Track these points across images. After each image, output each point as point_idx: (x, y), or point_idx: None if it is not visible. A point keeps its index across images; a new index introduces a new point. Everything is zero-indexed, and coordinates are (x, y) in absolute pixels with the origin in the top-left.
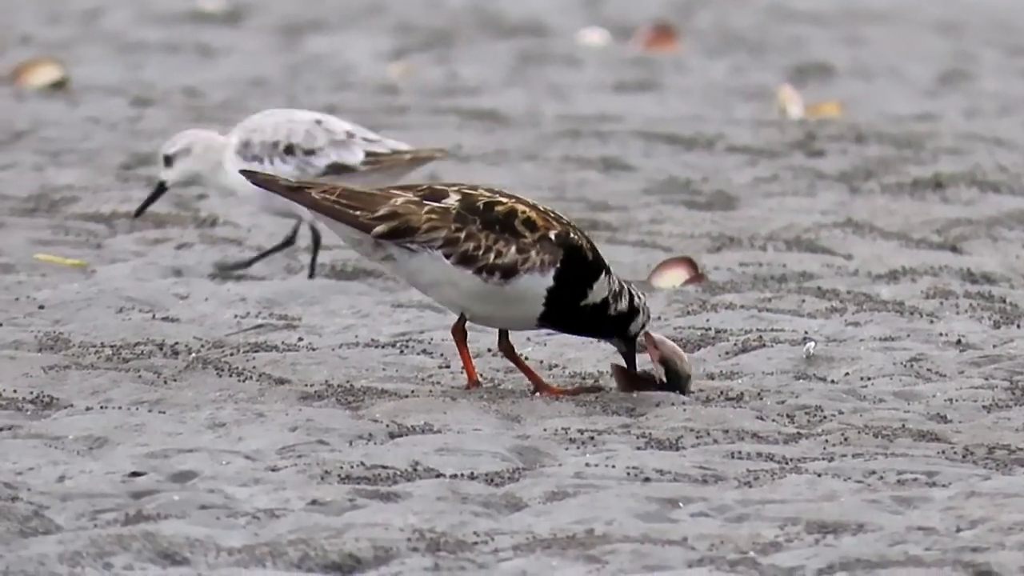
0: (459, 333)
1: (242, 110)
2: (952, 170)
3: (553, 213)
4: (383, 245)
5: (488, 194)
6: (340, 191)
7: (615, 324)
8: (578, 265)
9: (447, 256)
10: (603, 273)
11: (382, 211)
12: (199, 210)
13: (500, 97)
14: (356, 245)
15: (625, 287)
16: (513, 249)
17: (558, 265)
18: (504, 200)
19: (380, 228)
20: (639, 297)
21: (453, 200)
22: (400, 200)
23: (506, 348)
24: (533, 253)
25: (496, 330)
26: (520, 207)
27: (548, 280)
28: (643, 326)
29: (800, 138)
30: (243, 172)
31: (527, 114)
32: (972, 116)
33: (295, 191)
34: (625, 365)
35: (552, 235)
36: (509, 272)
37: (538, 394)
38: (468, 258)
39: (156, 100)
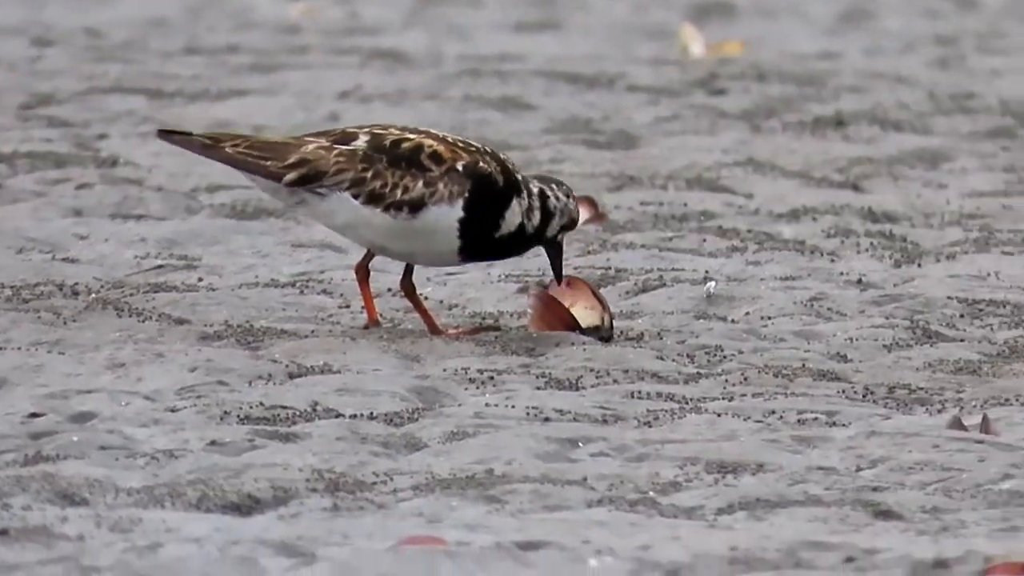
0: (362, 271)
1: (143, 50)
2: (853, 108)
3: (463, 143)
4: (296, 191)
5: (397, 132)
6: (252, 142)
7: (536, 239)
8: (488, 194)
9: (355, 196)
10: (514, 198)
11: (292, 159)
12: (99, 150)
13: (401, 37)
14: (273, 193)
15: (535, 197)
16: (420, 183)
17: (466, 195)
18: (412, 136)
19: (290, 176)
20: (555, 198)
21: (361, 141)
22: (310, 147)
23: (407, 287)
24: (440, 186)
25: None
26: (428, 141)
27: (457, 211)
28: (562, 227)
29: (701, 77)
30: (160, 133)
31: (428, 54)
32: (873, 54)
33: (209, 147)
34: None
35: (459, 166)
36: (416, 206)
37: (433, 337)
38: (375, 196)
39: (56, 40)
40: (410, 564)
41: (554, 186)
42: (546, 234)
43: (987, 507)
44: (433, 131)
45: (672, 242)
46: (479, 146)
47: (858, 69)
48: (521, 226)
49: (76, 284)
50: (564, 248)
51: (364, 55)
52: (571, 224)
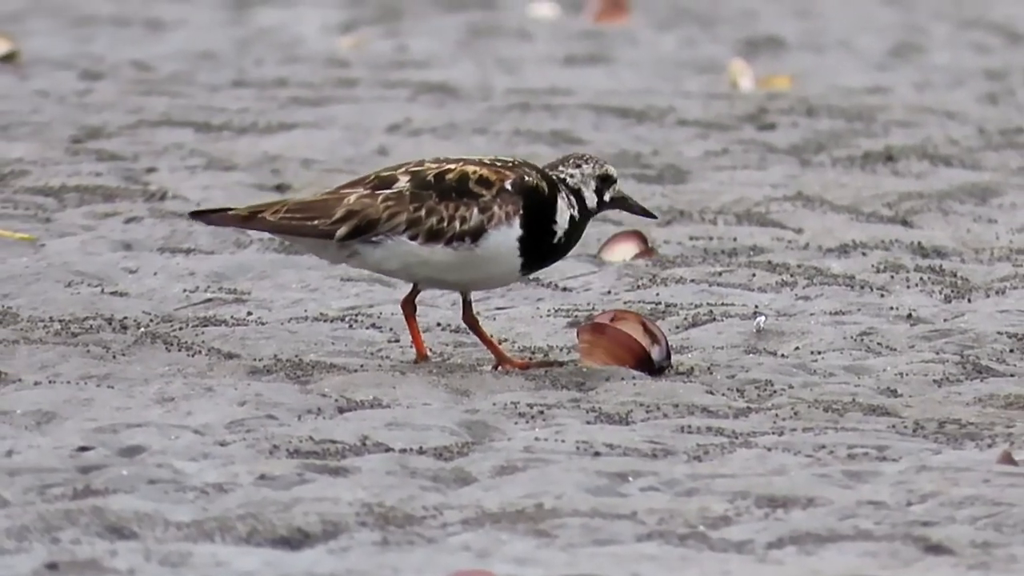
0: (409, 306)
1: (191, 83)
2: (903, 143)
3: (500, 161)
4: (347, 245)
5: (435, 165)
6: (291, 206)
7: (585, 219)
8: (540, 206)
9: (413, 237)
10: (559, 200)
11: (339, 213)
12: (148, 183)
13: (450, 70)
14: (321, 252)
15: (566, 185)
16: (475, 210)
17: (522, 212)
18: (452, 166)
19: (342, 230)
20: (570, 177)
21: (403, 182)
22: (353, 197)
23: (470, 320)
24: (496, 208)
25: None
26: (470, 168)
27: (516, 230)
28: (597, 190)
29: (751, 111)
30: (192, 214)
31: (477, 87)
32: (923, 89)
33: (249, 220)
34: None
35: (508, 185)
36: (477, 234)
37: (500, 368)
38: (435, 233)
39: (105, 73)
40: None
41: (563, 167)
42: (588, 206)
43: None
44: (466, 156)
45: (722, 277)
46: (514, 160)
47: (907, 104)
48: (571, 219)
49: (125, 318)
50: (631, 197)
51: (413, 88)
52: (606, 178)
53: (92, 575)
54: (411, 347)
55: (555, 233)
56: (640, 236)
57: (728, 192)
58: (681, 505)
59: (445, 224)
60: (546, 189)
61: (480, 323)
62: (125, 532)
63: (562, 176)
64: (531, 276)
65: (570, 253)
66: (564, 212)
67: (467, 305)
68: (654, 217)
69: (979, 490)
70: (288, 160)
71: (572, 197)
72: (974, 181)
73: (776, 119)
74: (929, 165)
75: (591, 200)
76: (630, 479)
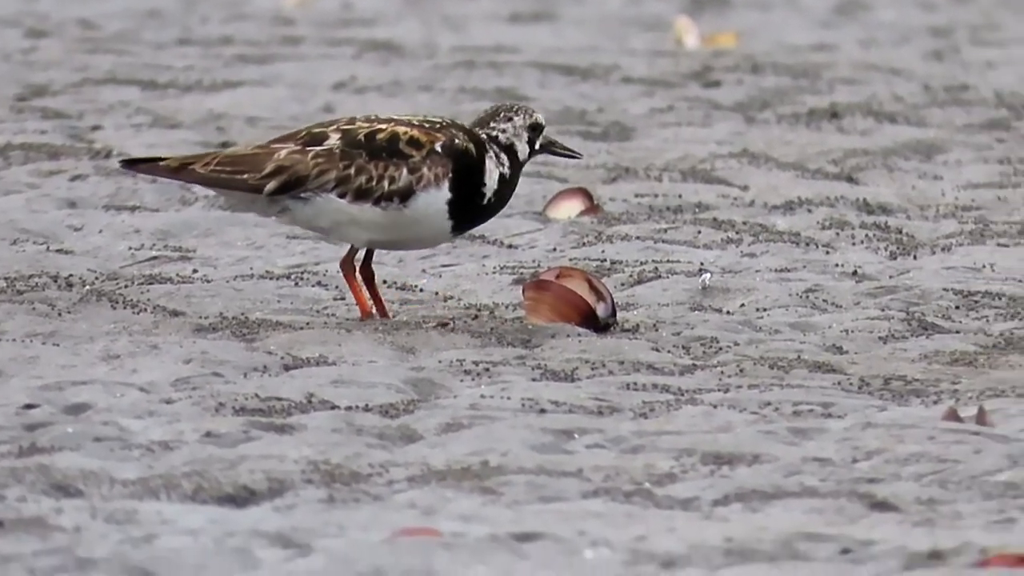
0: (348, 266)
1: (137, 41)
2: (848, 100)
3: (429, 122)
4: (277, 200)
5: (366, 124)
6: (222, 158)
7: (516, 174)
8: (469, 168)
9: (342, 195)
10: (487, 161)
11: (269, 168)
12: (93, 142)
13: (395, 28)
14: (251, 206)
15: (494, 144)
16: (405, 171)
17: (451, 175)
18: (383, 126)
19: (271, 185)
20: (502, 133)
21: (334, 140)
22: (283, 152)
23: (364, 272)
24: (425, 170)
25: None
26: (401, 128)
27: (445, 193)
28: (529, 140)
29: (696, 69)
30: (122, 162)
31: (422, 45)
32: (868, 46)
33: (179, 171)
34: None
35: (438, 147)
36: (406, 195)
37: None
38: (363, 191)
39: (51, 31)
40: (405, 556)
41: (492, 121)
42: (520, 158)
43: (983, 499)
44: (398, 115)
45: (667, 234)
46: (443, 120)
47: (853, 61)
48: (501, 176)
49: (71, 276)
50: (556, 140)
51: (358, 46)
52: (536, 127)
53: (38, 532)
54: (356, 305)
55: (484, 195)
56: (585, 193)
57: (673, 149)
58: (627, 462)
59: (374, 183)
60: (475, 152)
61: (355, 275)
62: (71, 490)
63: (493, 133)
64: (464, 235)
65: (510, 208)
66: (493, 172)
67: (367, 257)
68: (579, 156)
69: (924, 447)
70: (233, 118)
71: (504, 154)
72: (919, 138)
73: (721, 76)
74: (874, 122)
75: (523, 152)
76: (576, 436)
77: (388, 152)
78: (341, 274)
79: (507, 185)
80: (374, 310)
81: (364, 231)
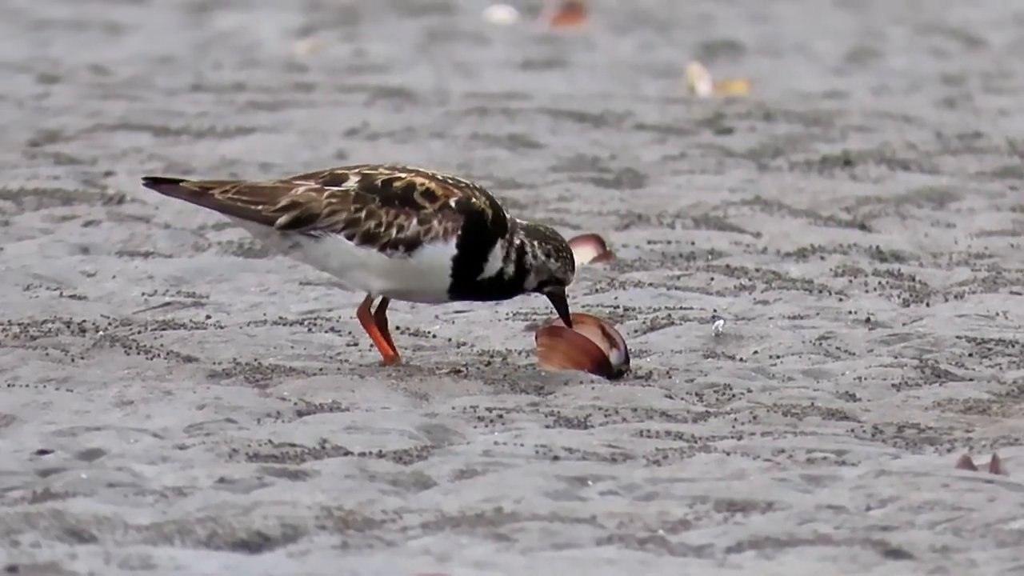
0: (365, 316)
1: (149, 87)
2: (861, 147)
3: (453, 180)
4: (289, 235)
5: (387, 171)
6: (241, 187)
7: (516, 288)
8: (479, 231)
9: (350, 237)
10: (498, 240)
11: (283, 202)
12: (106, 187)
13: (407, 74)
14: (264, 238)
15: (514, 248)
16: (414, 221)
17: (460, 232)
18: (403, 175)
19: (283, 219)
20: (532, 255)
21: (352, 182)
22: (301, 189)
23: (377, 318)
24: (435, 223)
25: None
26: (419, 179)
27: (451, 249)
28: (541, 283)
29: (708, 116)
30: (146, 180)
31: (435, 92)
32: (880, 94)
33: (198, 195)
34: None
35: (452, 202)
36: (412, 244)
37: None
38: (371, 236)
39: (63, 77)
40: None
41: (538, 241)
42: (524, 287)
43: (996, 546)
44: (423, 168)
45: (680, 280)
46: (469, 183)
47: (865, 108)
48: (500, 272)
49: (84, 321)
50: (566, 298)
51: (370, 93)
52: (552, 281)
53: None
54: (371, 350)
55: (483, 269)
56: (598, 240)
57: (686, 196)
58: (640, 509)
59: (382, 229)
60: (490, 220)
61: (373, 323)
62: (85, 535)
63: (523, 242)
64: (457, 302)
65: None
66: (497, 257)
67: (381, 306)
68: (570, 325)
69: (938, 495)
70: (246, 164)
71: (512, 264)
72: (932, 185)
73: (734, 123)
74: (887, 169)
75: (528, 283)
76: (589, 483)
77: (401, 200)
78: (360, 323)
79: (503, 283)
80: (396, 351)
81: (374, 277)
